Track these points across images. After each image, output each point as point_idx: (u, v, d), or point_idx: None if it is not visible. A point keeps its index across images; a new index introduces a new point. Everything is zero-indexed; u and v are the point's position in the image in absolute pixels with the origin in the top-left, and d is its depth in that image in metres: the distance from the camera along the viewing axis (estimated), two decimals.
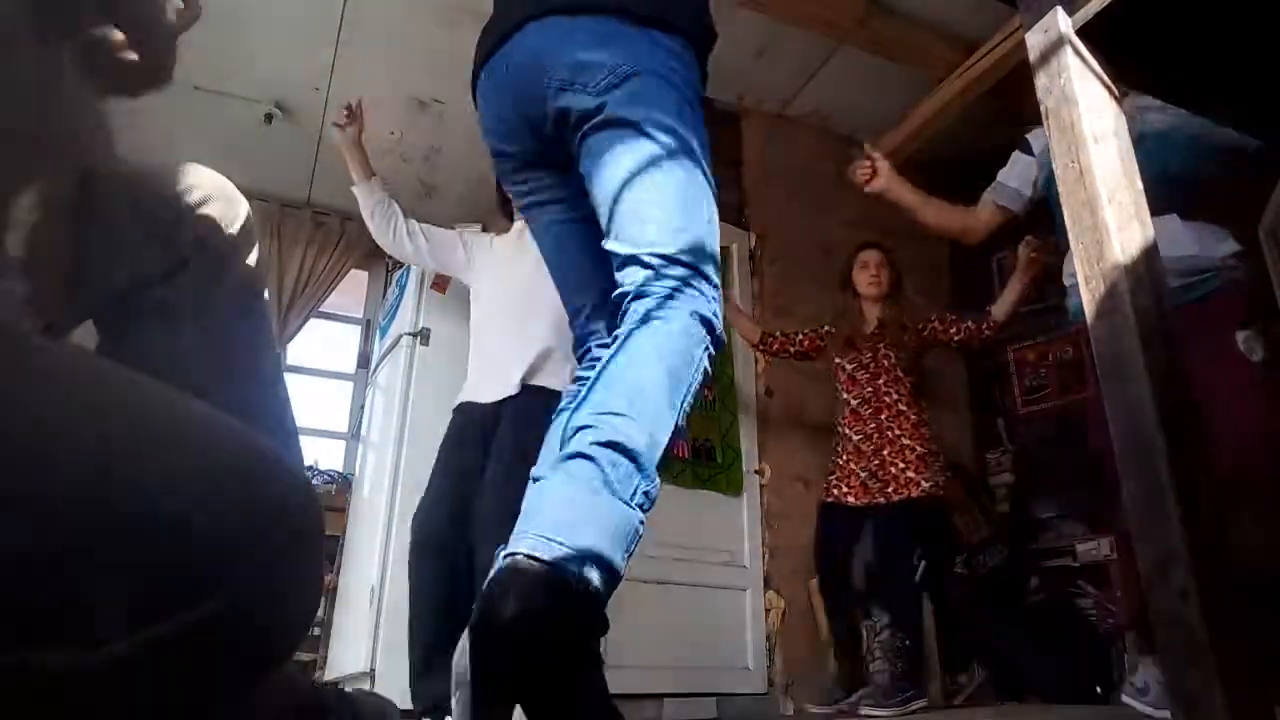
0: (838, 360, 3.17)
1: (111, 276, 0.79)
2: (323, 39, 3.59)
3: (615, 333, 1.08)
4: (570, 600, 0.80)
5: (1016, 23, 2.17)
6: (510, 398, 2.39)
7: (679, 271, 1.09)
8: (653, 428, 0.98)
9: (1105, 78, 0.77)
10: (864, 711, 2.73)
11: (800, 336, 3.29)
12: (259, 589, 0.47)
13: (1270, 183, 1.36)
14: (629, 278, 1.11)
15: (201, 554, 0.45)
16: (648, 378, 1.01)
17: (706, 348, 1.08)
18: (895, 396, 3.01)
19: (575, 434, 0.95)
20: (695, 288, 1.09)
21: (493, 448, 2.35)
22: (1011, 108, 3.24)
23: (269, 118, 4.03)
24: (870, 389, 3.05)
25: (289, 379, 0.98)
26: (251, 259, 0.88)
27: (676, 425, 1.02)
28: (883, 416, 3.00)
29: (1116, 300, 0.69)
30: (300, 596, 0.53)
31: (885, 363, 3.06)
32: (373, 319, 5.05)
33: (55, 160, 0.76)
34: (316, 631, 3.57)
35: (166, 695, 0.44)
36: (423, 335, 3.17)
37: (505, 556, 0.82)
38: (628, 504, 0.92)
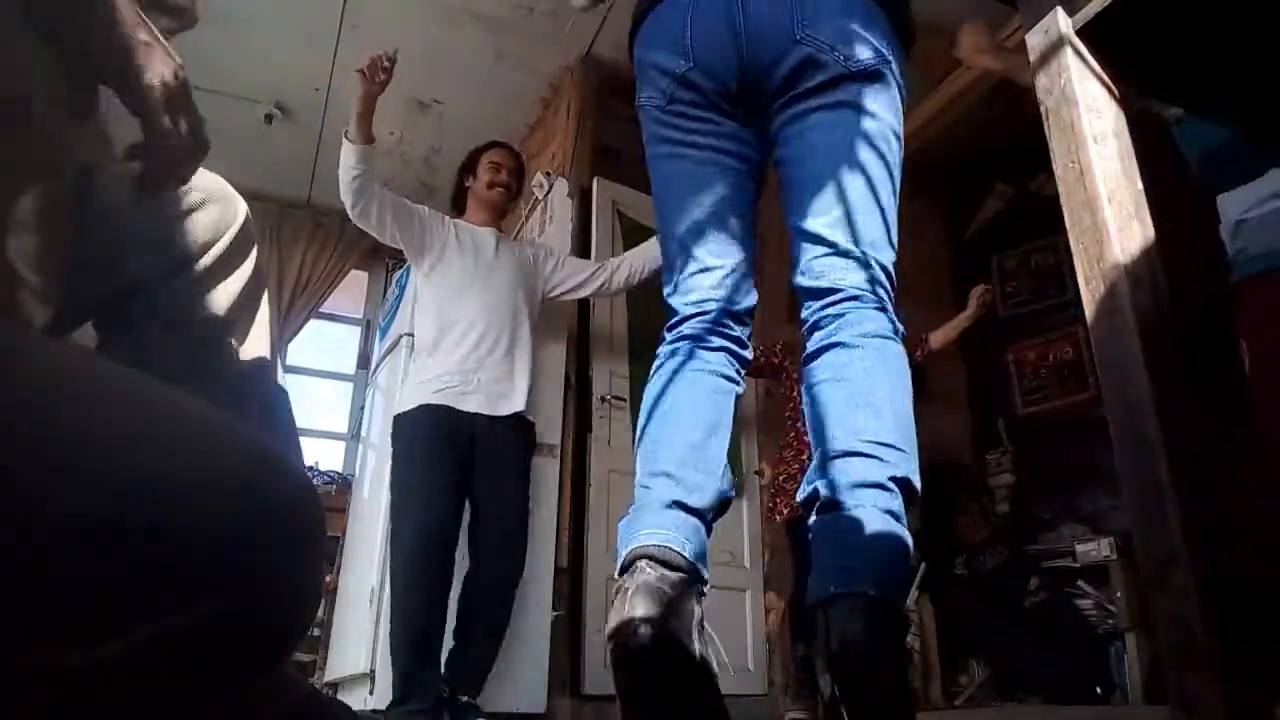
0: (795, 374, 3.14)
1: (110, 277, 0.79)
2: (323, 39, 3.59)
3: (838, 334, 1.07)
4: (901, 621, 0.92)
5: (1016, 23, 2.17)
6: (502, 419, 2.51)
7: (887, 285, 1.11)
8: (915, 462, 1.03)
9: (1105, 78, 0.77)
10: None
11: (757, 352, 3.27)
12: (259, 589, 0.47)
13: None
14: (838, 271, 1.10)
15: (201, 553, 0.45)
16: (904, 406, 1.05)
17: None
18: None
19: (854, 458, 0.98)
20: (893, 308, 1.11)
21: (491, 464, 2.48)
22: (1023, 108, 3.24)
23: (269, 118, 4.04)
24: None
25: (289, 380, 0.98)
26: (250, 259, 0.88)
27: None
28: None
29: (1116, 300, 0.69)
30: (300, 597, 0.53)
31: None
32: (373, 319, 5.05)
33: (54, 160, 0.75)
34: (316, 632, 3.57)
35: (165, 695, 0.44)
36: None
37: (841, 594, 0.89)
38: (906, 529, 0.97)
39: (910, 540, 0.95)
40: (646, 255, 2.85)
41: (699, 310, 1.18)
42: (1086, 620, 3.26)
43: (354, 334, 5.33)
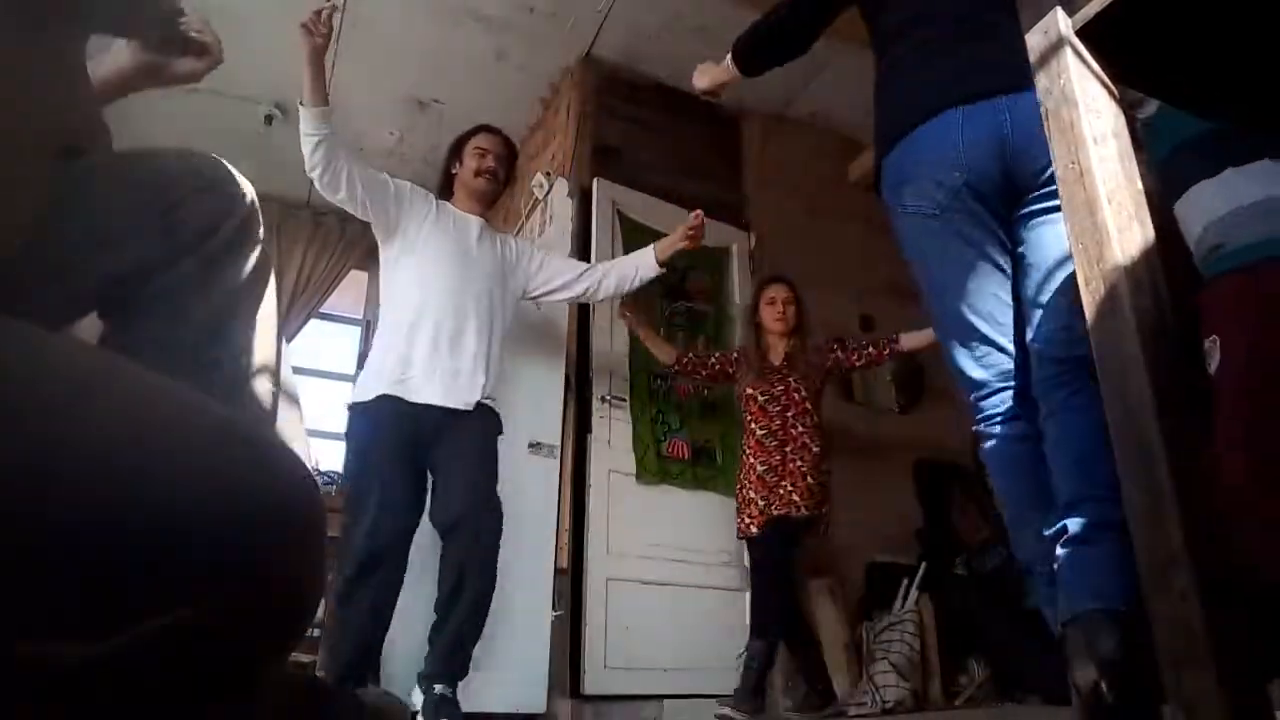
0: (750, 390, 3.11)
1: (114, 264, 0.78)
2: None
3: (1077, 398, 1.28)
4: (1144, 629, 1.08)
5: None
6: (465, 412, 2.39)
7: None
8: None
9: (1105, 78, 0.77)
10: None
11: (713, 360, 3.28)
12: (259, 586, 0.47)
13: None
14: (1076, 346, 1.24)
15: (203, 550, 0.45)
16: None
17: None
18: (801, 429, 3.00)
19: (1099, 504, 1.19)
20: None
21: (453, 448, 2.36)
22: None
23: (269, 118, 4.04)
24: (779, 422, 3.02)
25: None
26: (256, 245, 0.86)
27: None
28: (787, 449, 2.98)
29: (1116, 302, 0.69)
30: (301, 595, 0.52)
31: (795, 396, 3.04)
32: (372, 319, 5.05)
33: (54, 147, 0.75)
34: (316, 633, 3.57)
35: (165, 692, 0.44)
36: None
37: (1095, 610, 1.16)
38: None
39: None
40: (638, 264, 2.77)
41: (1004, 385, 1.44)
42: None
43: (354, 334, 5.33)
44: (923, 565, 3.32)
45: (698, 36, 3.65)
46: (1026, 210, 1.45)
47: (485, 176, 2.65)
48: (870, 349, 3.13)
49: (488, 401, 2.46)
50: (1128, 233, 0.71)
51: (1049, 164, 1.37)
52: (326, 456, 4.84)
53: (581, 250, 3.38)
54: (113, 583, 0.42)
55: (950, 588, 3.44)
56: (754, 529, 2.95)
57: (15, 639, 0.39)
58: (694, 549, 3.30)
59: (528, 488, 2.83)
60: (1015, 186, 1.45)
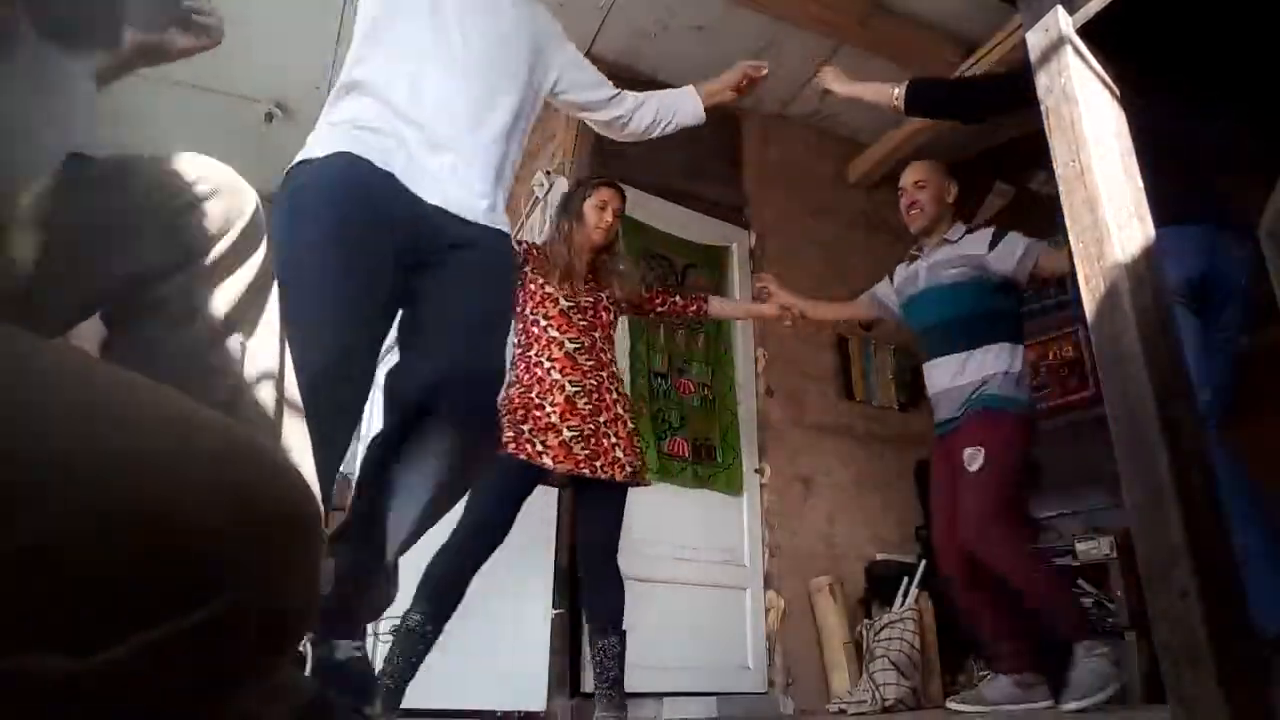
0: (548, 288, 2.54)
1: (116, 270, 0.78)
2: (323, 39, 3.59)
3: None
4: None
5: (1017, 22, 2.17)
6: (467, 224, 1.61)
7: None
8: None
9: (1105, 77, 0.77)
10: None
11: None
12: (257, 592, 0.47)
13: (1269, 182, 1.36)
14: None
15: (198, 557, 0.45)
16: None
17: None
18: (609, 358, 2.57)
19: None
20: None
21: (450, 274, 1.59)
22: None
23: (269, 117, 4.03)
24: (587, 340, 2.51)
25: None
26: (260, 251, 0.86)
27: None
28: (603, 374, 2.50)
29: (1116, 300, 0.69)
30: (299, 598, 0.52)
31: (605, 315, 2.60)
32: None
33: (56, 153, 0.75)
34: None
35: (163, 700, 0.44)
36: None
37: None
38: None
39: None
40: (677, 106, 2.19)
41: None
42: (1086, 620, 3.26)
43: None
44: (923, 563, 3.32)
45: (697, 35, 3.65)
46: None
47: None
48: (677, 299, 2.83)
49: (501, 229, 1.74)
50: (1128, 230, 0.71)
51: None
52: None
53: None
54: (108, 592, 0.42)
55: (950, 587, 3.44)
56: (545, 460, 2.34)
57: (15, 648, 0.39)
58: (694, 547, 3.30)
59: None
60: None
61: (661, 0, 3.56)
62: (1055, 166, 0.77)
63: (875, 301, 3.07)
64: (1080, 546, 3.30)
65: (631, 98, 2.14)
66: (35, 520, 0.41)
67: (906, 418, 4.04)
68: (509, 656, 2.60)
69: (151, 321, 0.79)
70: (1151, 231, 0.73)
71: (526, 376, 2.47)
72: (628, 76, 3.98)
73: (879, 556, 3.61)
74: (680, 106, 2.21)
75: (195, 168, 0.84)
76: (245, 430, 0.56)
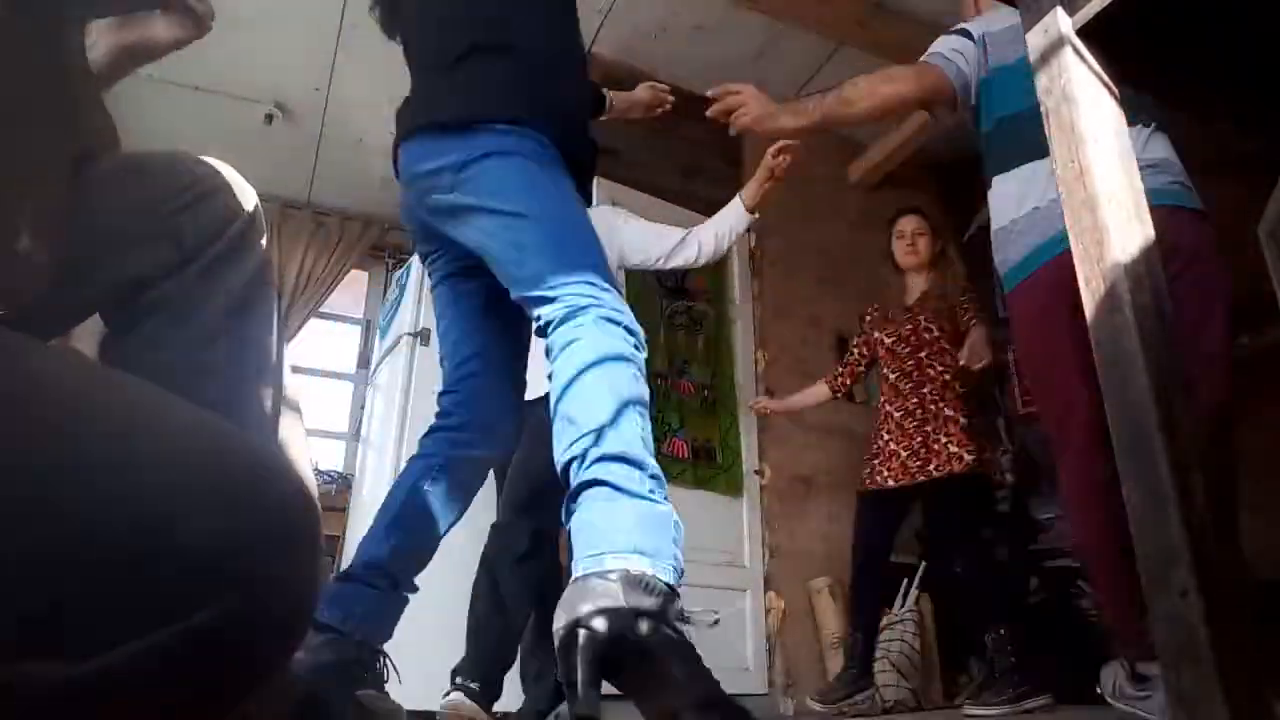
0: (876, 335, 3.03)
1: (116, 270, 0.78)
2: (323, 39, 3.59)
3: None
4: None
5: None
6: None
7: None
8: None
9: (1105, 78, 0.77)
10: (971, 711, 2.58)
11: (852, 355, 3.21)
12: (256, 596, 0.47)
13: (1269, 183, 1.36)
14: None
15: (198, 561, 0.45)
16: None
17: None
18: (940, 368, 2.86)
19: None
20: None
21: None
22: None
23: (269, 118, 4.03)
24: (912, 362, 2.90)
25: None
26: (259, 251, 0.86)
27: None
28: (925, 390, 2.85)
29: (1116, 300, 0.69)
30: (298, 601, 0.52)
31: (926, 335, 2.91)
32: (373, 319, 5.05)
33: (58, 151, 0.75)
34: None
35: (163, 704, 0.44)
36: (423, 335, 3.17)
37: None
38: None
39: None
40: (732, 221, 2.48)
41: None
42: (1087, 620, 3.26)
43: (354, 334, 5.33)
44: (923, 565, 3.32)
45: (697, 36, 3.65)
46: None
47: None
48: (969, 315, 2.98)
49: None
50: (1127, 230, 0.71)
51: None
52: (327, 456, 4.84)
53: None
54: (107, 596, 0.42)
55: (950, 588, 3.44)
56: (890, 482, 2.80)
57: (15, 654, 0.39)
58: (694, 548, 3.29)
59: None
60: None
61: (662, 1, 3.56)
62: (1055, 167, 0.77)
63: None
64: None
65: (694, 237, 2.46)
66: (33, 525, 0.41)
67: None
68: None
69: (151, 321, 0.79)
70: (1151, 232, 0.73)
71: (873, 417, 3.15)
72: (628, 77, 3.99)
73: None
74: (735, 218, 2.50)
75: (195, 167, 0.84)
76: (243, 433, 0.55)
